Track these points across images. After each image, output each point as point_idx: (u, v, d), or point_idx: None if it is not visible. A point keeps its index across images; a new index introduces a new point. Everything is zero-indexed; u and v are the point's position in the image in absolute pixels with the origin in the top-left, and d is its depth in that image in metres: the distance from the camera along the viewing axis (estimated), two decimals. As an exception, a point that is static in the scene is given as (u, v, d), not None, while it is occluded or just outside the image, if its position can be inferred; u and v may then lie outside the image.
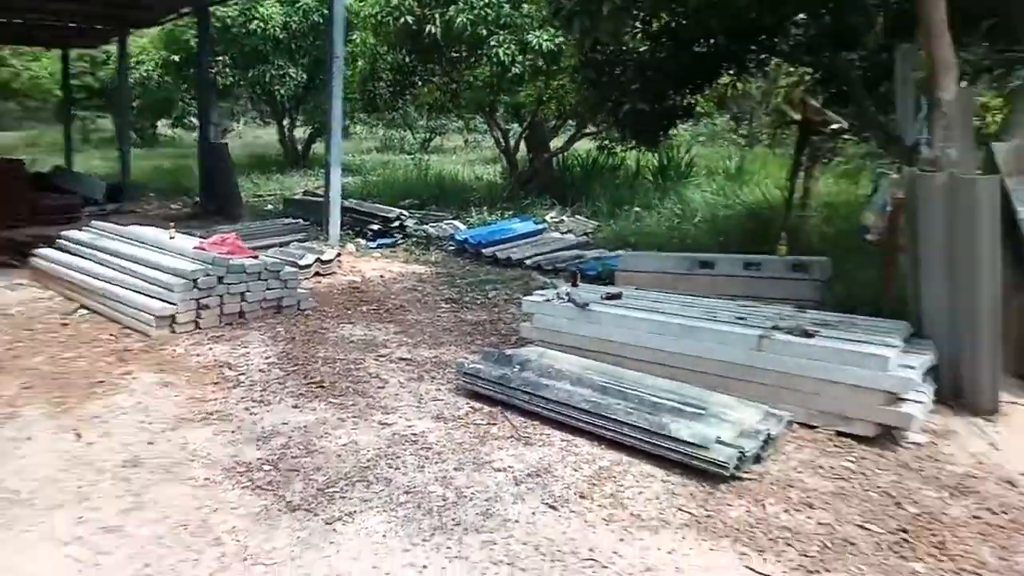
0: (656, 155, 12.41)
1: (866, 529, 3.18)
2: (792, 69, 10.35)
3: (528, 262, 8.33)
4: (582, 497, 3.38)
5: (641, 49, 8.26)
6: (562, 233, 9.94)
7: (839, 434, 4.00)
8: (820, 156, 8.43)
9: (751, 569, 2.90)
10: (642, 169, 12.92)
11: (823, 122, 7.61)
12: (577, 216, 10.97)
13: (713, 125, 18.56)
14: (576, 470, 3.63)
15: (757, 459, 3.68)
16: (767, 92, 14.62)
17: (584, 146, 14.08)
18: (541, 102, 12.07)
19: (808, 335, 4.17)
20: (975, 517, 3.29)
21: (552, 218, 10.82)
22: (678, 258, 6.61)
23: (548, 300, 5.19)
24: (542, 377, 4.30)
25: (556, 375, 4.31)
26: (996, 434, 4.04)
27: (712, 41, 7.46)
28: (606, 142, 12.33)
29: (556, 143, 13.59)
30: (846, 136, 9.35)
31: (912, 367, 3.95)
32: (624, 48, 7.96)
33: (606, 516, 3.24)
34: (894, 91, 5.12)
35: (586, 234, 9.93)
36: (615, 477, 3.57)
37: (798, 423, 4.08)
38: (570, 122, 13.21)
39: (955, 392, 4.27)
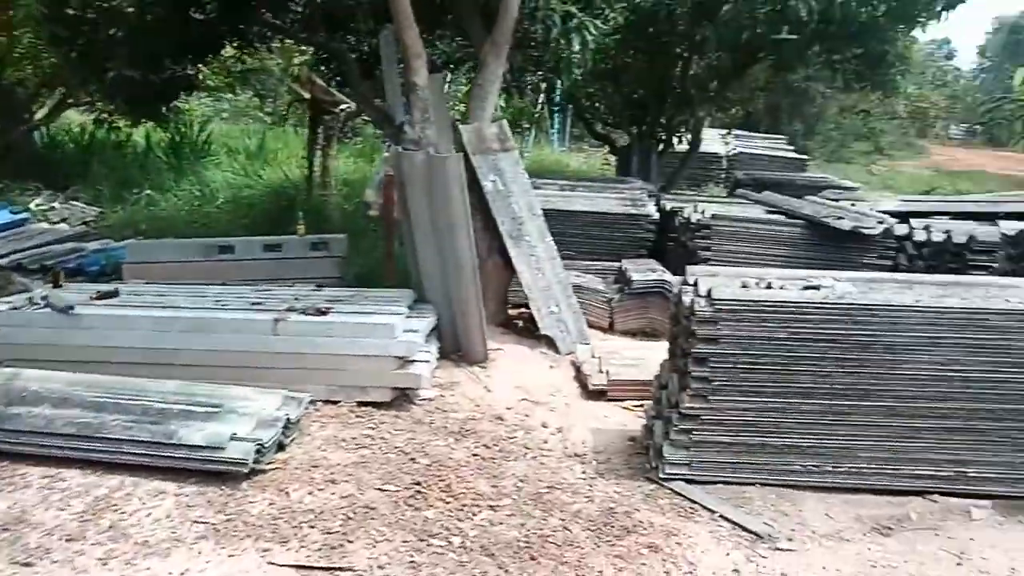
0: (168, 131, 11.28)
1: (384, 491, 3.34)
2: (303, 48, 10.38)
3: (4, 262, 6.81)
4: (71, 540, 2.84)
5: (128, 9, 7.27)
6: (53, 223, 8.53)
7: (361, 404, 4.15)
8: (335, 135, 8.69)
9: (273, 564, 2.80)
10: (154, 147, 11.64)
11: (332, 102, 7.83)
12: (73, 202, 9.44)
13: (236, 101, 17.74)
14: (63, 509, 3.04)
15: (281, 447, 3.59)
16: (285, 69, 14.48)
17: (79, 118, 12.07)
18: (7, 62, 9.85)
19: (322, 312, 4.22)
20: (474, 455, 3.74)
21: (39, 205, 9.12)
22: (195, 244, 6.21)
23: (17, 308, 4.23)
24: (11, 406, 3.49)
25: (33, 399, 3.54)
26: (488, 378, 4.69)
27: (208, 8, 6.94)
28: (104, 115, 10.72)
29: (40, 114, 11.31)
30: (365, 117, 9.85)
31: (416, 331, 4.31)
32: (105, 4, 6.88)
33: (103, 554, 2.78)
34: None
35: (86, 223, 8.69)
36: (116, 505, 3.08)
37: (321, 401, 4.11)
38: (61, 89, 11.10)
39: (455, 347, 4.83)
